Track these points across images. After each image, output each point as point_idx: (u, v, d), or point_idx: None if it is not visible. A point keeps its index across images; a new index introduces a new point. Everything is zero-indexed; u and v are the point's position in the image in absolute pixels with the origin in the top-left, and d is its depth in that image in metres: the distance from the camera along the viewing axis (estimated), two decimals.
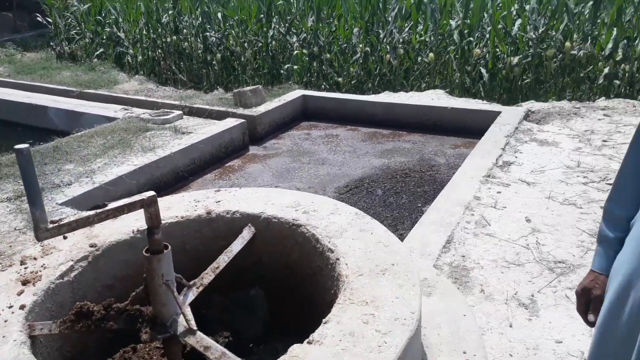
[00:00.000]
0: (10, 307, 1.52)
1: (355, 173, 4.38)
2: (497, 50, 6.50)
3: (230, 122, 4.91)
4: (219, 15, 8.58)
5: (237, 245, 1.90)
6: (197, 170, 4.47)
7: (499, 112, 4.90)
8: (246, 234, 1.98)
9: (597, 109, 5.07)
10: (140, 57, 8.95)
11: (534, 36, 6.31)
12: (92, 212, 1.26)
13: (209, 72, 8.47)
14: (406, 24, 7.27)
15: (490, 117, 4.81)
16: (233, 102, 5.60)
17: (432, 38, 7.00)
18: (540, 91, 6.45)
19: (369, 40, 7.34)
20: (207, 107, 5.46)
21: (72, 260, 1.75)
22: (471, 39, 6.67)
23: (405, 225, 3.51)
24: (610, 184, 3.22)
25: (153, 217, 1.36)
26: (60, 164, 4.03)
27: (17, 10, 14.07)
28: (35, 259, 1.77)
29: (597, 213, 3.14)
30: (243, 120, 4.99)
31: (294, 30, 8.10)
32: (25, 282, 1.63)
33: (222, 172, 4.54)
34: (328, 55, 7.62)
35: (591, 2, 6.24)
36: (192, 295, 1.58)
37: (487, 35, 6.63)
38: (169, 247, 1.44)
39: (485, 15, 6.85)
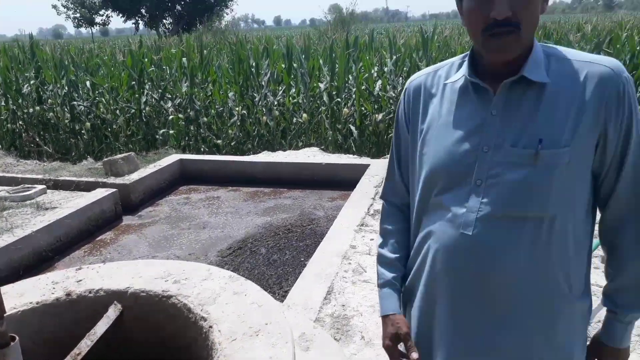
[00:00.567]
0: None
1: (238, 234, 4.37)
2: (363, 108, 7.06)
3: (100, 193, 4.65)
4: (87, 83, 8.26)
5: (101, 327, 1.78)
6: (63, 249, 4.12)
7: (368, 165, 5.27)
8: (112, 312, 1.87)
9: None
10: None
11: (393, 94, 6.98)
12: None
13: (78, 141, 8.02)
14: (279, 88, 7.63)
15: (360, 170, 5.15)
16: (104, 172, 5.34)
17: (304, 100, 7.41)
18: None
19: (245, 103, 7.56)
20: (74, 178, 5.13)
21: None
22: (339, 99, 7.18)
23: (289, 281, 3.54)
24: None
25: None
26: None
27: None
28: None
29: None
30: (114, 190, 4.76)
31: (169, 96, 8.06)
32: None
33: (93, 247, 4.25)
34: (205, 119, 7.67)
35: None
36: None
37: (353, 96, 7.20)
38: (17, 338, 1.32)
39: (350, 77, 7.45)
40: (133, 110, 7.94)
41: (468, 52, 1.07)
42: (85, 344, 1.68)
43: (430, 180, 1.07)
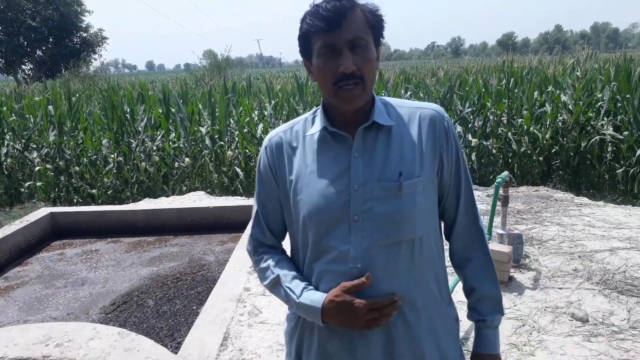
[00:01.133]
0: None
1: (121, 287, 4.10)
2: (247, 150, 7.15)
3: None
4: None
5: None
6: None
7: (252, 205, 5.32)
8: None
9: None
10: None
11: None
12: None
13: None
14: (157, 132, 7.43)
15: (249, 211, 5.18)
16: None
17: (185, 144, 7.29)
18: None
19: (121, 149, 7.22)
20: None
21: None
22: (222, 142, 7.20)
23: (182, 331, 3.41)
24: None
25: None
26: None
27: None
28: None
29: None
30: None
31: (34, 146, 7.41)
32: None
33: None
34: (77, 168, 7.16)
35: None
36: None
37: (237, 139, 7.27)
38: None
39: (232, 121, 7.53)
40: None
41: (318, 108, 1.22)
42: None
43: (310, 224, 1.15)
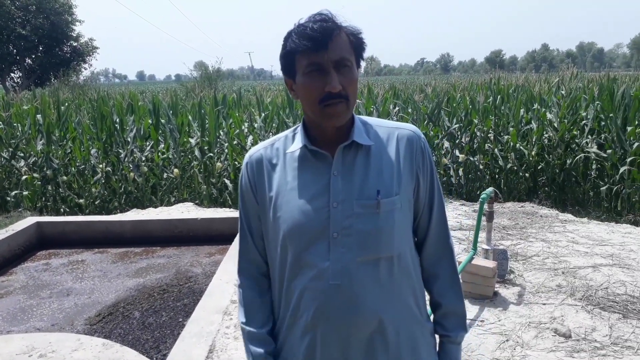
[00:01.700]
0: None
1: (107, 299, 4.07)
2: (237, 162, 7.17)
3: None
4: None
5: None
6: None
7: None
8: None
9: None
10: None
11: None
12: None
13: None
14: (147, 143, 7.42)
15: (237, 223, 5.16)
16: None
17: (174, 155, 7.29)
18: None
19: (110, 160, 7.20)
20: None
21: None
22: (211, 154, 7.21)
23: (167, 344, 3.38)
24: None
25: None
26: None
27: None
28: None
29: None
30: None
31: (21, 154, 7.36)
32: None
33: None
34: (65, 178, 7.11)
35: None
36: None
37: (226, 150, 7.28)
38: None
39: (221, 133, 7.55)
40: None
41: (298, 126, 1.25)
42: None
43: (289, 240, 1.16)
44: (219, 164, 7.12)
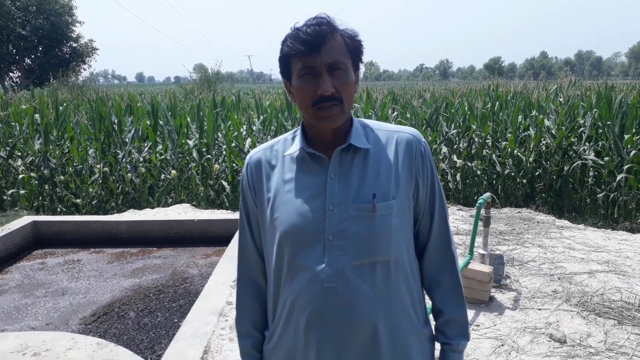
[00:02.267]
0: None
1: (103, 298, 4.06)
2: (235, 164, 7.17)
3: None
4: None
5: None
6: None
7: (237, 219, 5.32)
8: None
9: None
10: None
11: None
12: None
13: None
14: (145, 144, 7.42)
15: (235, 225, 5.17)
16: None
17: (172, 156, 7.29)
18: None
19: (107, 160, 7.19)
20: None
21: None
22: (209, 156, 7.21)
23: (162, 344, 3.37)
24: None
25: None
26: None
27: None
28: None
29: None
30: None
31: (19, 154, 7.34)
32: None
33: None
34: (62, 177, 7.10)
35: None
36: None
37: (224, 152, 7.28)
38: None
39: (220, 135, 7.55)
40: None
41: (297, 128, 1.26)
42: None
43: (285, 241, 1.16)
44: (216, 166, 7.12)
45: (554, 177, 7.11)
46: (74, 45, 35.90)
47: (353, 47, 1.15)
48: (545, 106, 7.88)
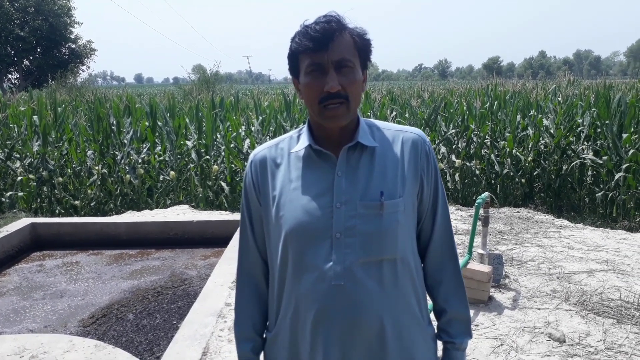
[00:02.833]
0: None
1: (101, 300, 4.05)
2: (233, 165, 7.16)
3: None
4: None
5: None
6: None
7: (236, 220, 5.33)
8: None
9: None
10: None
11: None
12: None
13: None
14: (143, 145, 7.41)
15: (234, 226, 5.17)
16: None
17: (171, 157, 7.28)
18: None
19: (106, 161, 7.18)
20: None
21: None
22: (208, 157, 7.20)
23: (161, 346, 3.37)
24: None
25: None
26: None
27: None
28: None
29: None
30: None
31: (17, 155, 7.33)
32: None
33: None
34: (61, 179, 7.09)
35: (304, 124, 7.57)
36: None
37: (223, 153, 7.27)
38: None
39: (218, 136, 7.55)
40: None
41: (303, 126, 1.25)
42: None
43: (291, 240, 1.15)
44: (215, 167, 7.11)
45: (553, 176, 7.12)
46: (73, 46, 35.83)
47: (362, 45, 1.15)
48: (543, 106, 7.88)
